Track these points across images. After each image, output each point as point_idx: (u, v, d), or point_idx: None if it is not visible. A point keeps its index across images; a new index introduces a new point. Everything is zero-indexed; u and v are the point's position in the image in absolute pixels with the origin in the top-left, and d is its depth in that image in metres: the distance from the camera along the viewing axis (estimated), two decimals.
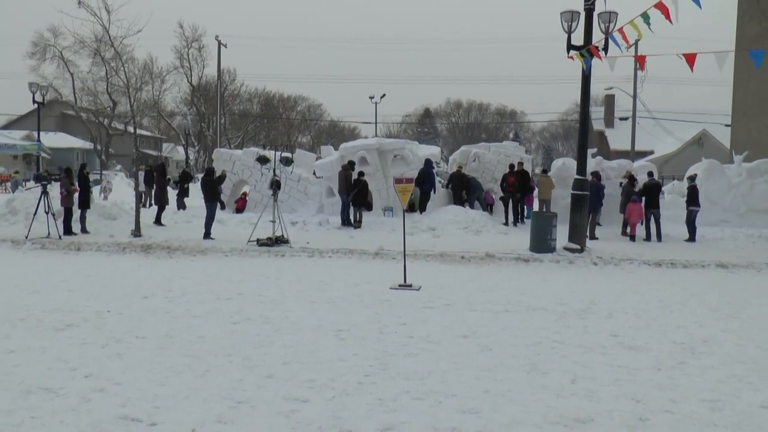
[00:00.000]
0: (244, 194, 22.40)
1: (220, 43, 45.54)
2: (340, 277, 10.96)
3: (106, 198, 28.12)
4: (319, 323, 7.52)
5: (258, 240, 14.83)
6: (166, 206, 19.27)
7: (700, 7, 10.19)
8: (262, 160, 16.03)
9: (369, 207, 20.58)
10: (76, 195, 16.28)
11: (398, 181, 10.86)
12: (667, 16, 10.82)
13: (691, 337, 7.37)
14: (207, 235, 15.71)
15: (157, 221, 18.17)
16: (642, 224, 17.68)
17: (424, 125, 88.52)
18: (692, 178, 18.93)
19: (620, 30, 12.65)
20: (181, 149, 73.00)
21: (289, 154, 17.90)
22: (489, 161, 21.78)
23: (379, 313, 8.16)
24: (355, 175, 18.81)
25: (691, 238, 17.58)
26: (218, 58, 46.08)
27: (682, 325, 7.99)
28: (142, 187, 21.58)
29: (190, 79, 62.04)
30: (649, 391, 5.40)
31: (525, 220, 19.54)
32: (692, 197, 17.91)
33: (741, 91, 30.13)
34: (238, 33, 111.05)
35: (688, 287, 10.99)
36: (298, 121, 79.66)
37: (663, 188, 20.11)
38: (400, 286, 10.07)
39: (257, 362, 5.93)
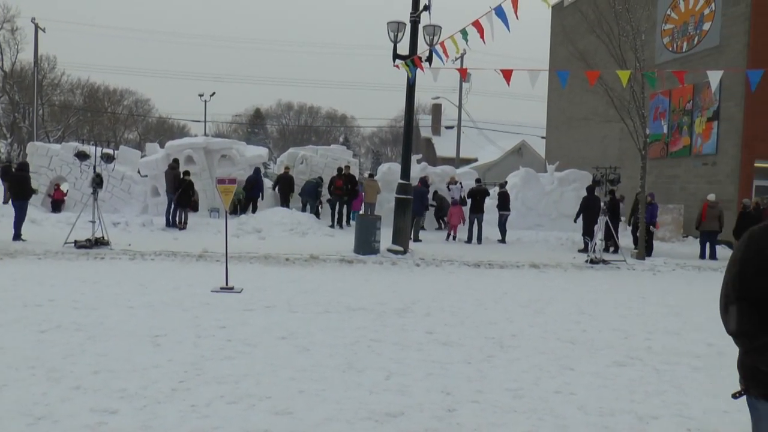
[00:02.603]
0: (57, 186, 20.86)
1: (37, 26, 42.06)
2: (161, 281, 10.61)
3: None
4: (136, 329, 7.23)
5: (76, 242, 13.98)
6: None
7: (508, 30, 10.93)
8: (81, 155, 15.09)
9: (195, 207, 20.08)
10: None
11: (221, 181, 10.67)
12: (482, 36, 11.53)
13: (501, 332, 7.90)
14: (17, 236, 14.57)
15: None
16: (464, 225, 18.69)
17: (254, 126, 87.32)
18: (502, 185, 20.31)
19: (442, 44, 13.32)
20: None
21: (110, 151, 17.05)
22: (316, 164, 22.03)
23: (198, 316, 8.01)
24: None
25: (503, 239, 18.86)
26: (35, 42, 42.45)
27: (494, 321, 8.55)
28: None
29: (1, 64, 56.88)
30: (459, 384, 5.72)
31: (351, 222, 19.97)
32: (503, 202, 19.23)
33: (554, 108, 32.76)
34: (58, 17, 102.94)
35: (502, 286, 11.79)
36: (125, 116, 75.57)
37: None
38: (221, 288, 9.94)
39: (64, 373, 5.57)
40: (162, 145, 22.68)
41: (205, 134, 51.06)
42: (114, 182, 20.18)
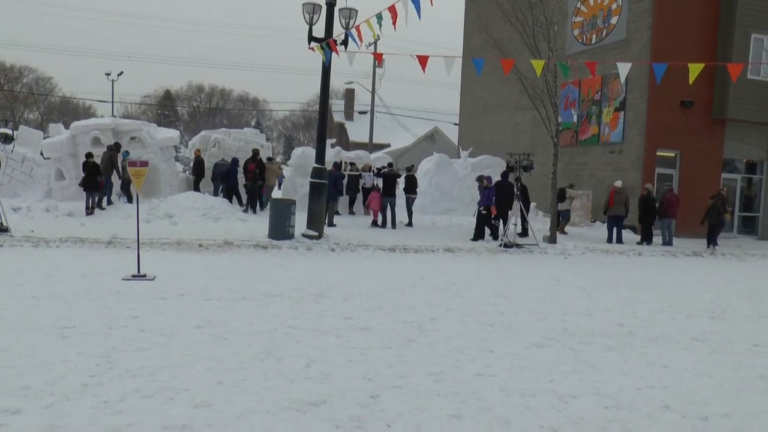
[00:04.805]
0: None
1: None
2: (67, 269, 10.10)
3: None
4: (40, 321, 6.83)
5: None
6: None
7: (419, 17, 10.93)
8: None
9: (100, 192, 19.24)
10: None
11: (132, 164, 10.27)
12: (394, 21, 11.49)
13: (420, 316, 7.93)
14: None
15: None
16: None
17: (164, 107, 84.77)
18: (409, 168, 20.54)
19: (357, 27, 13.18)
20: None
21: (8, 131, 16.09)
22: (229, 147, 21.57)
23: (108, 306, 7.66)
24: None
25: (410, 222, 19.10)
26: None
27: (412, 306, 8.57)
28: None
29: None
30: (380, 369, 5.69)
31: (265, 207, 19.71)
32: (410, 186, 19.46)
33: (467, 95, 33.18)
34: None
35: (418, 270, 11.85)
36: (24, 95, 71.74)
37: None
38: (133, 276, 9.56)
39: None
40: (66, 126, 21.57)
41: (113, 115, 49.06)
42: (14, 164, 19.07)
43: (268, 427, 4.33)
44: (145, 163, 10.38)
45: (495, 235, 17.06)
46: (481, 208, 17.04)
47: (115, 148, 18.32)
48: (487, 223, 17.10)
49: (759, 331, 8.23)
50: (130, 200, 18.47)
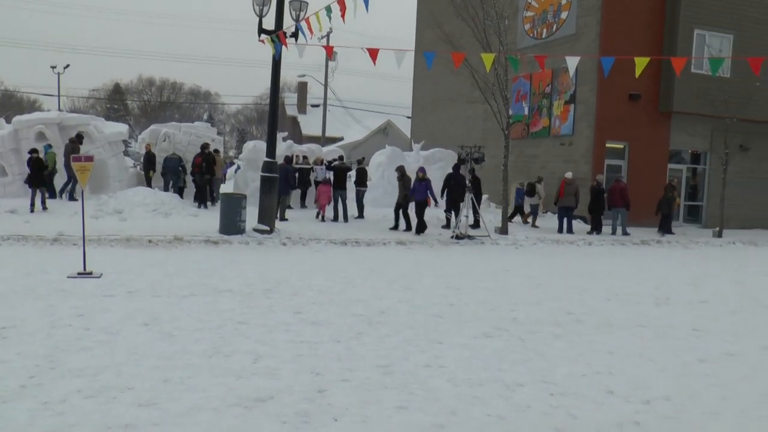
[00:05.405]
0: None
1: None
2: (10, 267, 9.81)
3: None
4: None
5: None
6: None
7: (367, 10, 10.91)
8: None
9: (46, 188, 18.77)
10: None
11: (76, 159, 10.02)
12: (343, 14, 11.45)
13: (370, 309, 7.93)
14: None
15: None
16: (330, 205, 18.64)
17: (114, 101, 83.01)
18: (360, 161, 20.59)
19: (306, 20, 13.09)
20: None
21: None
22: (180, 141, 21.24)
23: (52, 305, 7.46)
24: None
25: (360, 215, 19.13)
26: None
27: (363, 299, 8.57)
28: None
29: None
30: (329, 363, 5.68)
31: (217, 202, 19.50)
32: (360, 179, 19.51)
33: (419, 88, 33.28)
34: None
35: (370, 263, 11.86)
36: None
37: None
38: (79, 274, 9.34)
39: None
40: (9, 120, 20.96)
41: (60, 109, 47.83)
42: None
43: (214, 424, 4.28)
44: (90, 158, 10.15)
45: (409, 226, 17.01)
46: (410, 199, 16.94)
47: (77, 140, 17.96)
48: (404, 213, 17.08)
49: (700, 316, 8.47)
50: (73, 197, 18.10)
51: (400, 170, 17.41)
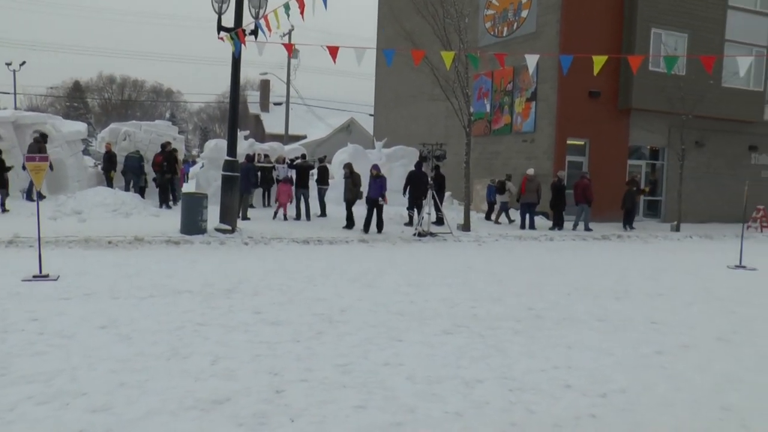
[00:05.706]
0: None
1: None
2: None
3: None
4: None
5: None
6: None
7: (325, 7, 10.86)
8: None
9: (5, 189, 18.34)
10: None
11: (30, 158, 9.79)
12: (302, 11, 11.40)
13: (331, 308, 7.90)
14: None
15: None
16: (291, 203, 18.52)
17: (73, 99, 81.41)
18: (321, 159, 20.59)
19: (265, 17, 12.99)
20: None
21: None
22: (140, 140, 20.94)
23: (6, 309, 7.28)
24: None
25: (323, 213, 19.11)
26: None
27: (323, 298, 8.53)
28: None
29: None
30: (287, 363, 5.64)
31: (178, 201, 19.28)
32: (322, 177, 19.51)
33: (382, 86, 33.31)
34: None
35: (332, 262, 11.83)
36: None
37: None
38: (34, 277, 9.14)
39: None
40: None
41: (16, 108, 46.77)
42: None
43: (171, 428, 4.22)
44: (44, 158, 9.94)
45: (352, 224, 16.97)
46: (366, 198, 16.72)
47: (42, 139, 17.59)
48: (349, 210, 16.98)
49: (657, 309, 8.63)
50: (30, 197, 17.73)
51: (348, 167, 17.31)
